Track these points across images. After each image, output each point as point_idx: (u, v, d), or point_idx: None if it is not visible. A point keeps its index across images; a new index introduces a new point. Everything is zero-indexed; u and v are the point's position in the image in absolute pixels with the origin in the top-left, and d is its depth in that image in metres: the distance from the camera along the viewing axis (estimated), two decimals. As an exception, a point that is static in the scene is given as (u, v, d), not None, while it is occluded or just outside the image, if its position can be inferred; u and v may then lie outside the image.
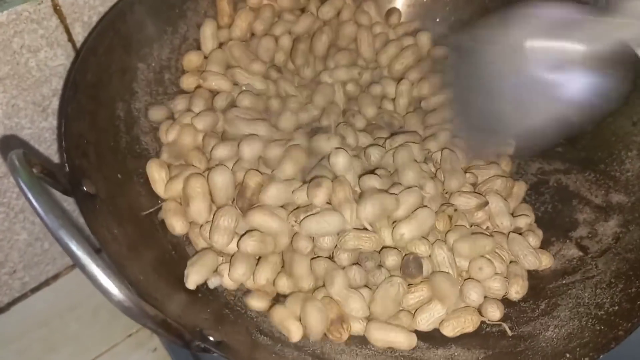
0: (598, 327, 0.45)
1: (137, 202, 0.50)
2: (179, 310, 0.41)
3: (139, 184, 0.51)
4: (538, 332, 0.47)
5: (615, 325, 0.44)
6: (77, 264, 0.32)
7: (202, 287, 0.47)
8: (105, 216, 0.44)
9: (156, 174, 0.51)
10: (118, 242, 0.43)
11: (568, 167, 0.59)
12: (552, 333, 0.46)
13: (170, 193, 0.50)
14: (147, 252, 0.46)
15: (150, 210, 0.50)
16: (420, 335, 0.48)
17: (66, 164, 0.43)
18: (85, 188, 0.43)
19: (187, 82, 0.58)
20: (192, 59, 0.59)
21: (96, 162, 0.47)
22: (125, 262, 0.41)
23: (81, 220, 0.42)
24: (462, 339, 0.47)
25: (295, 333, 0.45)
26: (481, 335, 0.48)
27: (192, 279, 0.46)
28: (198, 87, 0.58)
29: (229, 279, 0.47)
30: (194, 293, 0.46)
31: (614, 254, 0.50)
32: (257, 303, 0.48)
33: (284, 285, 0.48)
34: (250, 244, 0.46)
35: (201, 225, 0.49)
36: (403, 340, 0.46)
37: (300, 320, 0.46)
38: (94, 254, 0.32)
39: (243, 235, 0.47)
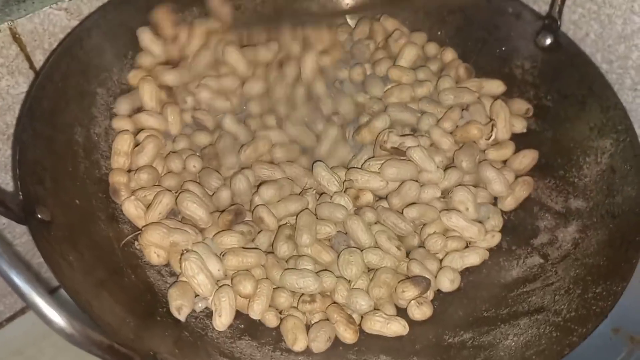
0: (554, 334, 0.45)
1: (95, 226, 0.49)
2: (133, 335, 0.41)
3: (98, 209, 0.51)
4: (498, 341, 0.47)
5: (571, 331, 0.44)
6: (16, 291, 0.31)
7: (161, 310, 0.47)
8: (60, 243, 0.44)
9: (133, 211, 0.51)
10: (73, 268, 0.43)
11: (529, 175, 0.59)
12: (510, 342, 0.46)
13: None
14: (104, 276, 0.46)
15: (128, 238, 0.50)
16: (383, 347, 0.48)
17: (20, 192, 0.44)
18: (39, 215, 0.43)
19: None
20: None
21: (52, 189, 0.47)
22: (78, 288, 0.41)
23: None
24: (424, 350, 0.48)
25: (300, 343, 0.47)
26: (443, 347, 0.48)
27: (185, 312, 0.47)
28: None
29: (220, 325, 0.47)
30: (152, 316, 0.46)
31: (573, 260, 0.51)
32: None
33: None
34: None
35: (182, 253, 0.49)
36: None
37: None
38: (34, 281, 0.32)
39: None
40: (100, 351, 0.34)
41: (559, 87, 0.59)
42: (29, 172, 0.45)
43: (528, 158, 0.58)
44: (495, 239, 0.54)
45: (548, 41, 0.61)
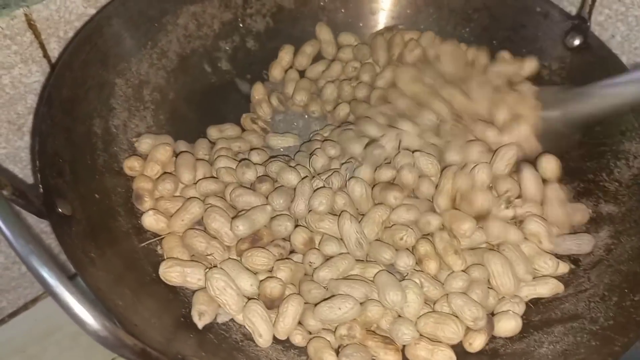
0: (593, 343, 0.43)
1: (115, 222, 0.48)
2: (160, 337, 0.39)
3: (117, 204, 0.49)
4: (532, 349, 0.45)
5: (611, 340, 0.43)
6: (49, 291, 0.30)
7: (184, 311, 0.46)
8: (82, 238, 0.42)
9: (154, 224, 0.50)
10: (95, 265, 0.41)
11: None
12: (546, 350, 0.45)
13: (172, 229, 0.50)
14: (126, 275, 0.44)
15: (149, 242, 0.49)
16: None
17: (40, 185, 0.42)
18: (60, 209, 0.42)
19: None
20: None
21: (72, 182, 0.45)
22: (102, 286, 0.39)
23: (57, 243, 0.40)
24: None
25: None
26: (474, 354, 0.46)
27: (205, 320, 0.44)
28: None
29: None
30: (175, 318, 0.44)
31: (606, 266, 0.49)
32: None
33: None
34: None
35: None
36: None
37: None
38: (66, 280, 0.30)
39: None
40: (134, 355, 0.32)
41: (589, 89, 0.58)
42: (49, 163, 0.44)
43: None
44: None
45: (577, 42, 0.60)
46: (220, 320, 0.46)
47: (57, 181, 0.44)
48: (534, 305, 0.49)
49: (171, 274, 0.46)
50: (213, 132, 0.60)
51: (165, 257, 0.48)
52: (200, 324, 0.44)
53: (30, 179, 0.58)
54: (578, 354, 0.43)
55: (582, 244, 0.52)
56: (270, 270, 0.48)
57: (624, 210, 0.52)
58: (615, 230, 0.51)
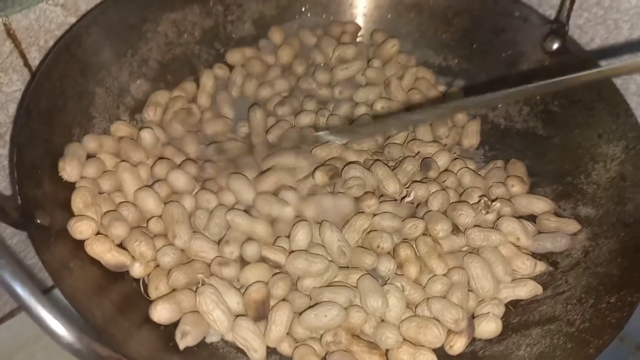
0: (569, 345, 0.44)
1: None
2: (140, 348, 0.40)
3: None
4: (510, 351, 0.46)
5: (587, 343, 0.43)
6: (21, 305, 0.30)
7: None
8: (60, 249, 0.42)
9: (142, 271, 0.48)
10: (73, 276, 0.41)
11: (536, 181, 0.58)
12: (524, 352, 0.45)
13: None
14: (106, 285, 0.44)
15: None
16: None
17: (18, 196, 0.42)
18: (38, 220, 0.42)
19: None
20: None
21: (51, 193, 0.45)
22: (80, 297, 0.39)
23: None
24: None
25: None
26: (455, 358, 0.47)
27: (187, 342, 0.44)
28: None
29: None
30: (157, 328, 0.44)
31: (583, 268, 0.50)
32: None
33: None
34: None
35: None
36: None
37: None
38: (39, 294, 0.30)
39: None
40: (109, 366, 0.32)
41: (567, 92, 0.58)
42: (27, 175, 0.44)
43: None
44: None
45: (555, 46, 0.60)
46: (209, 340, 0.46)
47: (36, 192, 0.44)
48: (513, 307, 0.50)
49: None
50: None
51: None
52: (181, 344, 0.43)
53: (7, 189, 0.58)
54: (554, 357, 0.44)
55: (558, 242, 0.52)
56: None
57: (602, 213, 0.53)
58: (593, 233, 0.52)
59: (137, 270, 0.47)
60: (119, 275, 0.46)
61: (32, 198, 0.43)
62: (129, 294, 0.46)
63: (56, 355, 0.63)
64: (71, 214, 0.46)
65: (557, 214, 0.55)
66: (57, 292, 0.39)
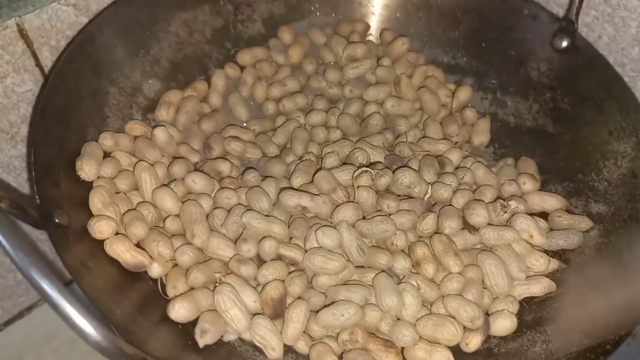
0: (585, 342, 0.44)
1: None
2: (160, 346, 0.40)
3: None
4: (525, 348, 0.46)
5: (602, 339, 0.43)
6: (49, 303, 0.30)
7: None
8: (79, 248, 0.42)
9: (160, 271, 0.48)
10: (93, 275, 0.41)
11: (546, 178, 0.59)
12: (539, 349, 0.46)
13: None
14: (124, 284, 0.44)
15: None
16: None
17: (37, 196, 0.42)
18: (57, 220, 0.42)
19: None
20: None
21: (68, 192, 0.45)
22: (100, 295, 0.40)
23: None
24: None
25: None
26: (470, 354, 0.47)
27: (206, 340, 0.44)
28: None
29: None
30: (175, 326, 0.44)
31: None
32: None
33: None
34: None
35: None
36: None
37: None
38: (67, 292, 0.31)
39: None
40: (134, 364, 0.32)
41: (577, 90, 0.59)
42: (45, 174, 0.44)
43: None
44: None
45: (564, 44, 0.60)
46: (226, 338, 0.46)
47: (53, 191, 0.44)
48: (527, 304, 0.50)
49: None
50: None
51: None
52: (201, 342, 0.43)
53: (23, 188, 0.58)
54: (570, 353, 0.44)
55: (571, 239, 0.53)
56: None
57: (614, 210, 0.53)
58: (605, 230, 0.52)
59: (155, 270, 0.47)
60: (136, 275, 0.46)
61: (50, 197, 0.43)
62: (146, 293, 0.46)
63: (66, 356, 0.64)
64: (88, 213, 0.46)
65: (569, 211, 0.56)
66: (74, 287, 0.39)
